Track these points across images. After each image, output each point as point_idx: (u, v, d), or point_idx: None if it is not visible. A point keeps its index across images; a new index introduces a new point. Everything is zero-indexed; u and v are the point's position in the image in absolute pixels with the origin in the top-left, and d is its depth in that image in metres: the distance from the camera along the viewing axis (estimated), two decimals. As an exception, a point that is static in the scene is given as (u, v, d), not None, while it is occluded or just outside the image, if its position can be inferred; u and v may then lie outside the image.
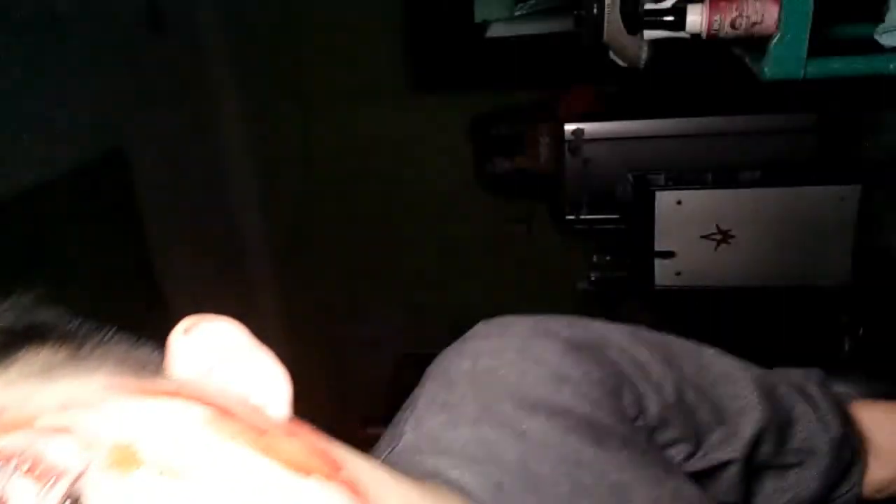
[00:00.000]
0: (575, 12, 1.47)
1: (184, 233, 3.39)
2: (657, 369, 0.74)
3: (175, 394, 0.43)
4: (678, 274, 2.33)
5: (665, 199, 2.28)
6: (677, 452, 0.74)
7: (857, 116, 2.59)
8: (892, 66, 1.23)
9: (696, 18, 1.16)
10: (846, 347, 2.21)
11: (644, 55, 1.39)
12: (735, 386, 0.78)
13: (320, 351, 4.27)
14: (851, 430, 0.85)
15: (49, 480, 0.37)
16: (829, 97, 2.75)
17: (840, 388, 0.98)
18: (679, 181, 2.41)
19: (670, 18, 1.19)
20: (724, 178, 2.40)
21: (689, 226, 2.29)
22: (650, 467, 0.66)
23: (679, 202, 2.28)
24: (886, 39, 1.25)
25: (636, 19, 1.26)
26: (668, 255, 2.31)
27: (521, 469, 0.60)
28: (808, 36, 1.14)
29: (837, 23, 1.71)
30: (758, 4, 1.13)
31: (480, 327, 0.79)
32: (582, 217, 2.97)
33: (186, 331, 0.49)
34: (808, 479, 0.81)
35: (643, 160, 2.71)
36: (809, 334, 2.46)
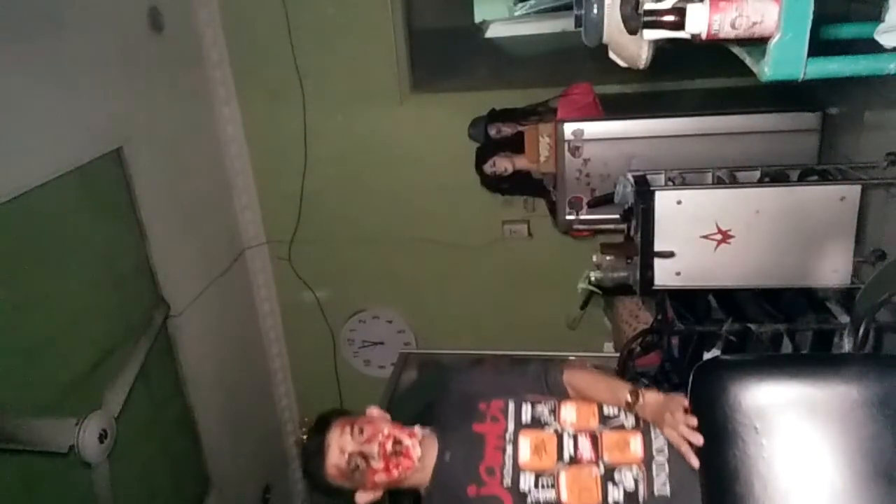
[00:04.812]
0: (575, 12, 1.47)
1: (184, 232, 3.39)
2: None
3: None
4: (678, 274, 2.33)
5: (665, 199, 2.28)
6: None
7: (858, 116, 2.59)
8: (892, 66, 1.23)
9: (696, 18, 1.16)
10: (846, 347, 2.21)
11: (644, 55, 1.39)
12: None
13: (320, 350, 4.27)
14: None
15: None
16: (829, 97, 2.75)
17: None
18: (679, 181, 2.41)
19: (670, 18, 1.19)
20: (724, 178, 2.40)
21: (689, 226, 2.29)
22: None
23: (679, 202, 2.28)
24: (886, 39, 1.25)
25: (636, 19, 1.25)
26: (668, 255, 2.31)
27: None
28: (808, 36, 1.14)
29: (837, 23, 1.71)
30: (758, 4, 1.13)
31: None
32: (582, 217, 2.97)
33: None
34: None
35: (643, 160, 2.71)
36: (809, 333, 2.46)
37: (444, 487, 1.56)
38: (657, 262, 2.33)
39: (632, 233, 2.46)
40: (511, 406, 1.57)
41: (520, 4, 5.07)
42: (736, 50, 1.32)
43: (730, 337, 2.37)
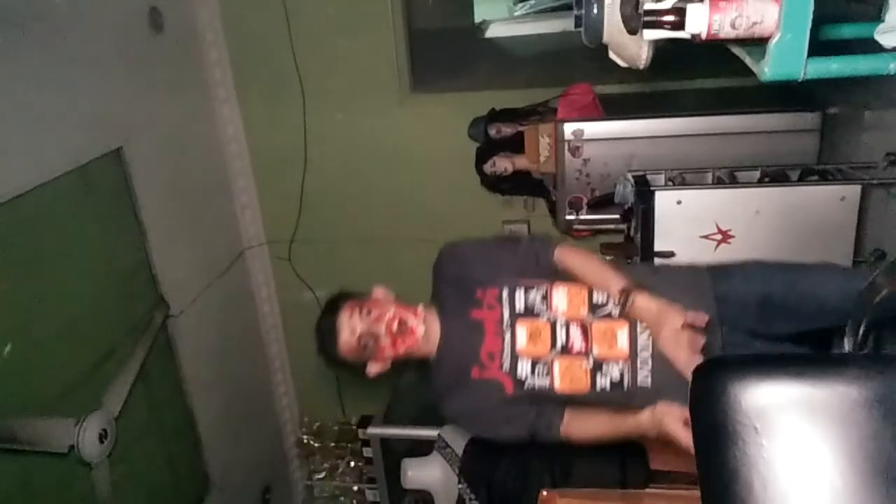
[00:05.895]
0: (575, 12, 1.47)
1: (184, 232, 3.39)
2: None
3: None
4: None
5: (665, 199, 2.28)
6: None
7: (858, 116, 2.59)
8: (892, 66, 1.23)
9: (696, 18, 1.16)
10: (846, 347, 2.20)
11: (644, 55, 1.39)
12: None
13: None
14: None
15: None
16: (829, 97, 2.75)
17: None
18: (679, 181, 2.41)
19: (670, 18, 1.19)
20: (724, 178, 2.40)
21: (689, 226, 2.30)
22: None
23: (679, 202, 2.28)
24: (886, 39, 1.25)
25: (636, 19, 1.26)
26: (668, 254, 2.31)
27: None
28: (807, 36, 1.14)
29: (837, 23, 1.71)
30: (758, 4, 1.13)
31: None
32: (582, 217, 2.97)
33: None
34: None
35: (643, 160, 2.71)
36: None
37: (450, 365, 1.69)
38: (657, 261, 2.33)
39: (632, 233, 2.46)
40: (505, 293, 1.65)
41: (520, 4, 5.07)
42: (736, 50, 1.33)
43: (730, 337, 2.36)
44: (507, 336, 1.63)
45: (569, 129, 2.84)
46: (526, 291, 1.65)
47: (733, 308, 1.63)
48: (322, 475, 4.41)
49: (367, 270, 4.03)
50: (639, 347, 1.58)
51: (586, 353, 1.60)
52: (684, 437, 1.44)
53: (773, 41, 1.15)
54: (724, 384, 1.25)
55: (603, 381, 1.59)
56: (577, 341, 1.61)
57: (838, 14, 1.85)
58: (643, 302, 1.52)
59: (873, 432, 1.10)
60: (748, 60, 1.27)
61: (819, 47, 1.17)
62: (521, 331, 1.63)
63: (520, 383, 1.62)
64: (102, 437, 2.23)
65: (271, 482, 4.20)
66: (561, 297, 1.63)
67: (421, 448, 2.38)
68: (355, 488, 4.33)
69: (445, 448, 2.20)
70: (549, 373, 1.61)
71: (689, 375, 1.37)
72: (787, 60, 1.16)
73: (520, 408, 1.64)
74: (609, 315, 1.60)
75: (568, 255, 1.68)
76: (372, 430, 3.13)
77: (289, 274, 4.07)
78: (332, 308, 1.72)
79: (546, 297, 1.64)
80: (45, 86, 2.48)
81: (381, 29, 3.52)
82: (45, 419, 2.29)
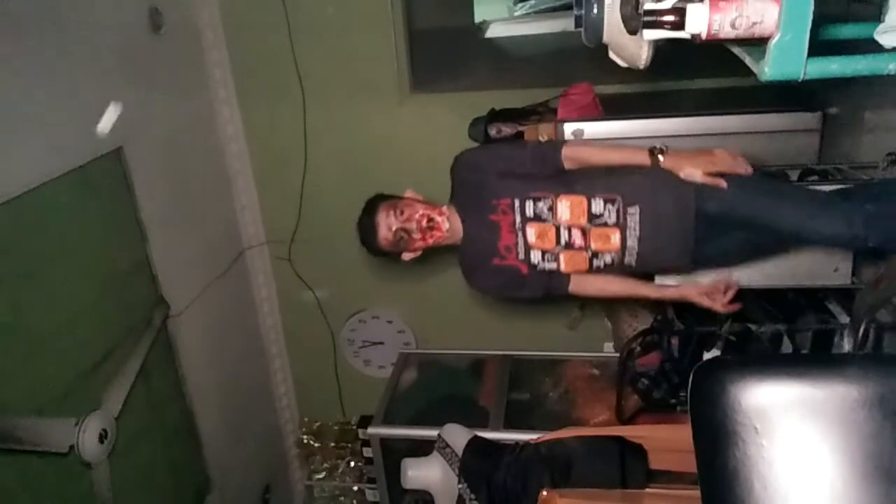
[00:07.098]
0: (575, 12, 1.47)
1: (184, 232, 3.39)
2: None
3: None
4: (679, 273, 2.33)
5: (665, 199, 2.28)
6: None
7: (858, 116, 2.59)
8: (892, 66, 1.23)
9: (696, 18, 1.16)
10: (846, 347, 2.21)
11: (644, 55, 1.39)
12: None
13: (321, 350, 4.27)
14: None
15: None
16: (829, 97, 2.75)
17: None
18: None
19: (670, 18, 1.19)
20: (723, 178, 2.39)
21: (689, 226, 2.29)
22: None
23: (679, 202, 2.28)
24: (886, 39, 1.25)
25: (636, 19, 1.26)
26: (669, 254, 2.31)
27: None
28: (807, 36, 1.14)
29: (837, 23, 1.72)
30: (758, 4, 1.13)
31: None
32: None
33: None
34: None
35: (643, 160, 2.70)
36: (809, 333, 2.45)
37: (472, 255, 2.11)
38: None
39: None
40: (517, 203, 1.99)
41: (520, 4, 5.06)
42: (736, 50, 1.33)
43: (730, 337, 2.37)
44: (520, 234, 2.00)
45: (569, 129, 2.84)
46: (535, 202, 1.97)
47: (706, 220, 1.93)
48: (322, 475, 4.41)
49: (367, 270, 4.04)
50: (628, 245, 1.95)
51: (585, 248, 1.98)
52: (707, 303, 2.05)
53: (773, 41, 1.15)
54: (724, 384, 1.26)
55: (598, 263, 2.01)
56: (578, 240, 1.98)
57: (838, 14, 1.86)
58: (677, 151, 1.90)
59: (873, 432, 1.11)
60: (748, 60, 1.27)
61: (819, 47, 1.17)
62: (531, 231, 1.99)
63: (533, 267, 2.04)
64: (102, 437, 2.23)
65: (271, 482, 4.20)
66: (564, 208, 1.95)
67: (421, 448, 2.38)
68: (355, 488, 4.33)
69: (445, 448, 2.20)
70: (556, 260, 2.02)
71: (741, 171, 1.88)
72: (787, 60, 1.17)
73: (534, 279, 2.08)
74: (605, 224, 1.94)
75: (578, 148, 2.04)
76: (372, 430, 3.13)
77: (289, 274, 4.07)
78: (370, 209, 2.10)
79: (552, 208, 1.96)
80: (45, 86, 2.48)
81: (381, 29, 3.51)
82: (45, 419, 2.29)
